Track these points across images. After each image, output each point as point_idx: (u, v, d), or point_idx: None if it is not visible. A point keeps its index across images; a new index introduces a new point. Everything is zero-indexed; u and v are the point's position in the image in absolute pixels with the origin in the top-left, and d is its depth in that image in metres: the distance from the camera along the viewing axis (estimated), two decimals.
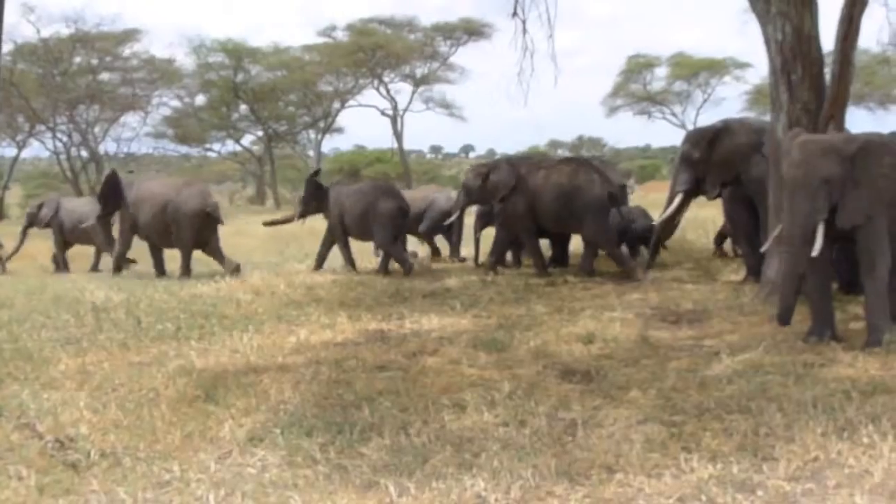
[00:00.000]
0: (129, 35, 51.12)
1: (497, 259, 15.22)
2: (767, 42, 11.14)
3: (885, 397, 6.64)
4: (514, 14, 14.85)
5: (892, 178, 8.62)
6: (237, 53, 53.63)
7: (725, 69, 56.79)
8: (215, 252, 16.80)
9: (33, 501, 5.20)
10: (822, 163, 8.62)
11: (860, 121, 61.76)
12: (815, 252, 8.38)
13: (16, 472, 5.57)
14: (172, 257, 17.11)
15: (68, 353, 9.03)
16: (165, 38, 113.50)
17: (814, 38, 11.04)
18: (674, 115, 59.69)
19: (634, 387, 7.24)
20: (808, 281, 8.86)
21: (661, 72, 59.03)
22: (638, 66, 58.51)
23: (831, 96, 10.76)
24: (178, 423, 6.48)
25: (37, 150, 59.58)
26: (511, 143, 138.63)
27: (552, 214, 14.49)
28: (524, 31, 14.87)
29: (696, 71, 57.30)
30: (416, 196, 17.88)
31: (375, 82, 55.62)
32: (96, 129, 54.04)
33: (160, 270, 17.15)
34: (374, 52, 53.02)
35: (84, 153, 53.64)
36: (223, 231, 17.16)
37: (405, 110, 56.41)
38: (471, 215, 16.94)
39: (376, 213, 15.49)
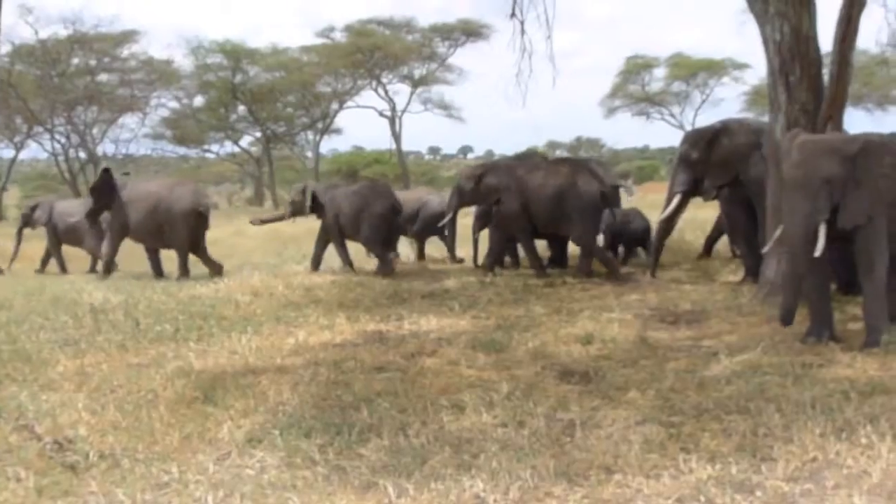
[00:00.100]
0: (128, 36, 51.13)
1: (494, 260, 15.23)
2: (766, 42, 11.14)
3: (884, 398, 6.64)
4: (513, 15, 14.87)
5: (893, 178, 8.62)
6: (235, 54, 53.66)
7: (724, 70, 56.88)
8: (202, 252, 16.87)
9: (32, 503, 5.20)
10: (824, 163, 8.62)
11: (858, 122, 62.00)
12: (817, 252, 8.40)
13: (14, 473, 5.56)
14: (169, 259, 17.11)
15: (67, 354, 9.03)
16: (164, 40, 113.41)
17: (812, 38, 11.05)
18: (672, 115, 59.81)
19: (633, 387, 7.23)
20: (806, 281, 8.86)
21: (660, 72, 59.21)
22: (636, 67, 58.58)
23: (829, 97, 10.76)
24: (176, 425, 6.48)
25: (35, 151, 59.52)
26: (509, 144, 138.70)
27: (546, 215, 14.51)
28: (522, 31, 14.89)
29: (695, 71, 57.36)
30: (408, 197, 17.89)
31: (374, 83, 55.67)
32: (94, 131, 54.08)
33: (158, 272, 17.15)
34: (372, 53, 53.06)
35: (82, 154, 53.65)
36: (223, 232, 17.17)
37: (403, 111, 56.52)
38: (469, 216, 16.95)
39: (369, 213, 15.53)
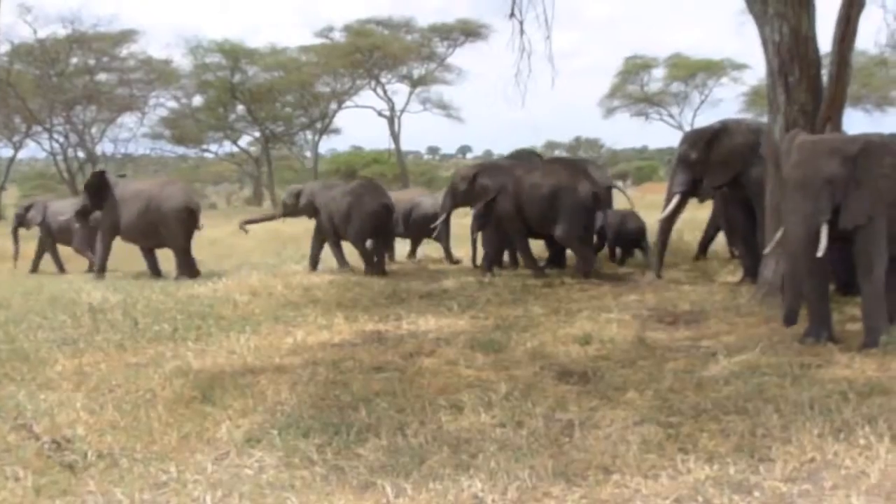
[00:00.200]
0: (126, 36, 51.12)
1: (492, 260, 15.24)
2: (765, 43, 11.14)
3: (882, 398, 6.64)
4: (512, 15, 14.88)
5: (893, 178, 8.62)
6: (234, 54, 53.64)
7: (723, 70, 56.90)
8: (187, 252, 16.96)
9: (30, 502, 5.20)
10: (825, 163, 8.63)
11: (857, 122, 62.04)
12: (819, 253, 8.40)
13: (12, 472, 5.56)
14: (167, 260, 17.13)
15: (65, 353, 9.03)
16: (162, 39, 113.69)
17: (811, 39, 11.05)
18: (671, 116, 59.82)
19: (631, 388, 7.23)
20: (805, 282, 8.86)
21: (659, 73, 59.22)
22: (635, 68, 58.59)
23: (828, 98, 10.76)
24: (174, 424, 6.48)
25: (33, 150, 59.60)
26: (508, 144, 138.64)
27: (539, 216, 14.54)
28: (521, 32, 14.90)
29: (694, 72, 57.36)
30: (401, 198, 17.88)
31: (372, 83, 55.64)
32: (93, 130, 54.07)
33: (155, 271, 17.18)
34: (371, 53, 53.02)
35: (81, 154, 53.61)
36: (221, 231, 17.17)
37: (402, 111, 56.48)
38: (468, 216, 16.96)
39: (359, 212, 15.56)
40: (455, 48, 55.07)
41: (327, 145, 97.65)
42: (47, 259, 20.28)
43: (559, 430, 6.20)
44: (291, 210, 16.88)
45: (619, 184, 25.27)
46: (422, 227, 17.42)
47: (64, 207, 19.95)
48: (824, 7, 11.07)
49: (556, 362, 8.26)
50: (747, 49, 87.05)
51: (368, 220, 15.61)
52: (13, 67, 48.13)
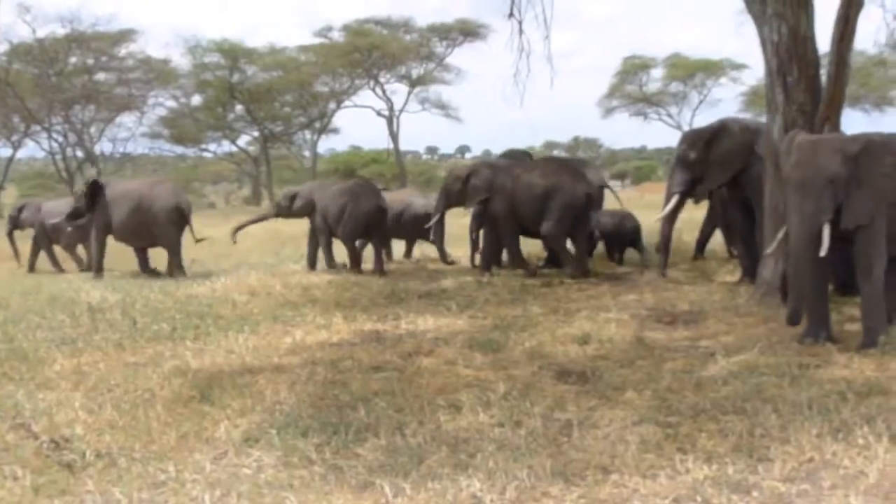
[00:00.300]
0: (125, 35, 51.06)
1: (490, 260, 15.26)
2: (763, 43, 11.15)
3: (881, 398, 6.65)
4: (511, 15, 14.88)
5: (894, 177, 8.62)
6: (233, 54, 53.60)
7: (721, 70, 56.90)
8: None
9: (29, 502, 5.19)
10: (827, 163, 8.63)
11: (856, 122, 62.02)
12: (822, 252, 8.41)
13: (11, 472, 5.56)
14: (160, 259, 17.17)
15: (64, 353, 9.03)
16: (161, 39, 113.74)
17: (810, 39, 11.05)
18: (670, 116, 59.82)
19: (630, 387, 7.24)
20: (805, 282, 8.87)
21: (657, 73, 59.22)
22: (634, 68, 58.60)
23: (827, 98, 10.76)
24: (173, 424, 6.48)
25: (32, 150, 59.66)
26: (507, 144, 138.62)
27: (532, 215, 14.58)
28: (520, 31, 14.90)
29: (692, 72, 57.37)
30: (393, 199, 17.89)
31: (371, 83, 55.60)
32: (92, 130, 54.03)
33: (147, 270, 17.23)
34: (370, 53, 52.99)
35: (80, 153, 53.59)
36: (220, 231, 17.17)
37: (401, 111, 56.47)
38: (466, 216, 16.97)
39: (352, 211, 15.60)
40: (454, 48, 55.10)
41: (326, 145, 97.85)
42: (44, 258, 20.29)
43: (558, 430, 6.20)
44: (286, 211, 16.92)
45: (615, 184, 25.29)
46: (414, 227, 17.42)
47: (58, 207, 19.97)
48: (823, 7, 11.09)
49: (555, 362, 8.26)
50: (746, 49, 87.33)
51: (362, 220, 15.65)
52: (12, 67, 48.10)
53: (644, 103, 59.66)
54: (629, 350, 8.74)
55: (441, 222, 16.20)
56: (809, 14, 11.05)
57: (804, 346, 8.52)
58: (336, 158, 61.39)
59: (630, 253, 16.23)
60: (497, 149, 64.28)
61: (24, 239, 20.78)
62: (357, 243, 16.01)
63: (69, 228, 18.59)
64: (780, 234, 9.42)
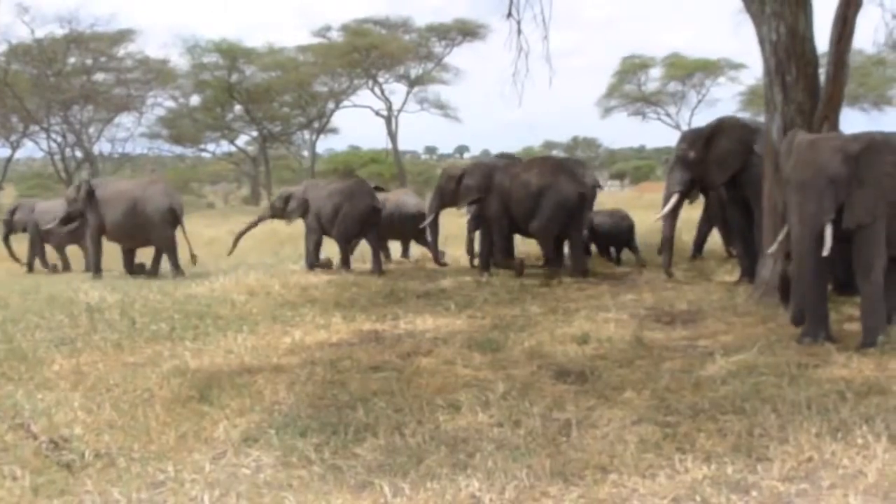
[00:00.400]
0: (124, 35, 51.12)
1: (488, 260, 15.28)
2: (762, 43, 11.15)
3: (880, 398, 6.65)
4: (509, 15, 14.88)
5: (895, 176, 8.61)
6: (232, 54, 53.62)
7: (720, 70, 56.97)
8: (158, 252, 17.23)
9: (28, 502, 5.19)
10: (828, 162, 8.62)
11: (855, 122, 61.99)
12: (825, 252, 8.41)
13: (10, 472, 5.56)
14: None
15: (63, 353, 9.03)
16: (160, 39, 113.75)
17: (808, 38, 11.06)
18: (668, 115, 59.89)
19: (629, 387, 7.24)
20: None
21: (656, 72, 59.28)
22: (632, 67, 58.64)
23: (826, 97, 10.77)
24: (172, 424, 6.48)
25: (31, 150, 59.72)
26: (506, 144, 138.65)
27: (525, 214, 14.62)
28: (519, 31, 14.90)
29: (691, 72, 57.42)
30: (386, 199, 17.90)
31: (370, 83, 55.64)
32: (90, 130, 54.08)
33: (130, 269, 17.27)
34: (368, 53, 53.00)
35: (78, 154, 53.64)
36: (219, 231, 17.19)
37: (400, 111, 56.55)
38: (460, 216, 17.03)
39: (348, 212, 15.63)
40: (452, 48, 55.18)
41: (325, 145, 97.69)
42: (54, 262, 20.37)
43: (557, 430, 6.20)
44: (280, 213, 16.96)
45: (614, 184, 25.34)
46: (406, 227, 17.44)
47: (51, 208, 20.02)
48: (822, 6, 11.08)
49: (554, 362, 8.26)
50: (745, 49, 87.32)
51: (356, 220, 15.71)
52: (11, 67, 48.18)
53: (643, 103, 59.72)
54: (628, 350, 8.74)
55: (435, 222, 16.20)
56: (808, 13, 11.06)
57: (803, 346, 8.52)
58: (335, 158, 61.35)
59: (625, 253, 16.28)
60: (496, 149, 64.40)
61: (22, 240, 20.80)
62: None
63: (62, 231, 18.70)
64: (782, 235, 9.41)
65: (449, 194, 15.61)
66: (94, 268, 17.25)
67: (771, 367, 7.70)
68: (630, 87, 59.48)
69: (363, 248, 16.69)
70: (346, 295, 12.79)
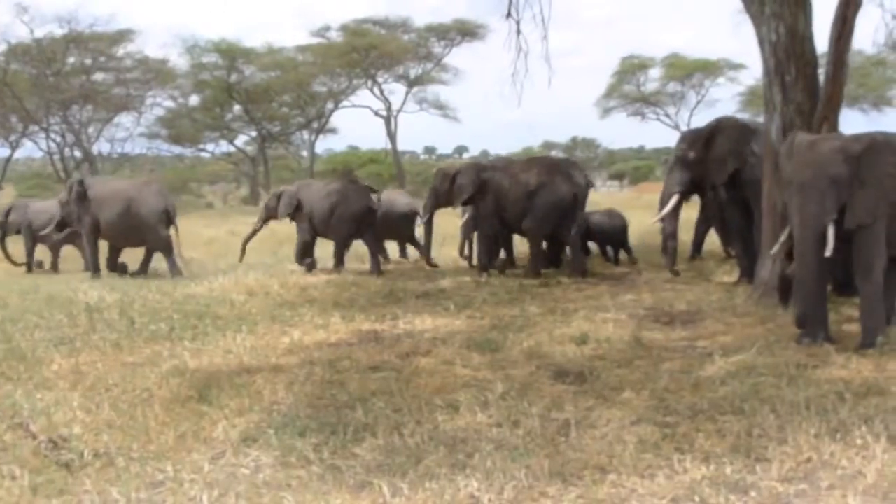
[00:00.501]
0: (123, 35, 51.03)
1: (488, 260, 15.32)
2: (761, 43, 11.15)
3: (879, 399, 6.65)
4: (509, 15, 14.89)
5: None
6: (231, 54, 53.54)
7: (719, 70, 56.85)
8: (148, 253, 17.32)
9: (27, 501, 5.19)
10: (830, 163, 8.62)
11: (854, 122, 61.99)
12: (828, 253, 8.41)
13: (9, 471, 5.55)
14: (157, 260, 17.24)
15: (62, 353, 9.03)
16: (159, 39, 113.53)
17: (808, 39, 11.07)
18: (668, 116, 59.74)
19: (628, 388, 7.24)
20: (807, 282, 8.86)
21: (655, 73, 59.12)
22: (632, 68, 58.53)
23: (825, 97, 10.77)
24: (171, 424, 6.48)
25: (30, 150, 59.60)
26: (505, 145, 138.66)
27: (518, 215, 14.67)
28: (518, 31, 14.91)
29: (690, 72, 57.32)
30: (378, 199, 17.92)
31: (369, 83, 55.55)
32: (90, 130, 54.00)
33: (113, 269, 17.35)
34: (367, 53, 52.94)
35: (77, 153, 53.58)
36: (218, 231, 17.21)
37: (399, 111, 56.45)
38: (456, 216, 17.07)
39: (344, 213, 15.66)
40: (452, 48, 55.07)
41: (324, 145, 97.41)
42: (40, 258, 20.37)
43: (555, 430, 6.20)
44: (274, 212, 16.98)
45: (613, 184, 25.43)
46: (397, 227, 17.47)
47: (46, 208, 20.06)
48: (821, 7, 11.09)
49: (553, 362, 8.26)
50: (744, 49, 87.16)
51: (352, 220, 15.74)
52: (10, 67, 48.12)
53: (642, 103, 59.61)
54: (627, 350, 8.74)
55: (430, 223, 16.20)
56: (807, 14, 11.06)
57: (802, 347, 8.52)
58: (334, 158, 61.27)
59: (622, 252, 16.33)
60: (495, 149, 64.44)
61: (18, 241, 20.81)
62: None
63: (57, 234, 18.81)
64: (784, 236, 9.40)
65: (443, 194, 15.65)
66: (93, 268, 17.27)
67: (770, 367, 7.70)
68: (629, 87, 59.38)
69: (359, 249, 16.67)
70: (345, 295, 12.79)
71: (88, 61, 51.82)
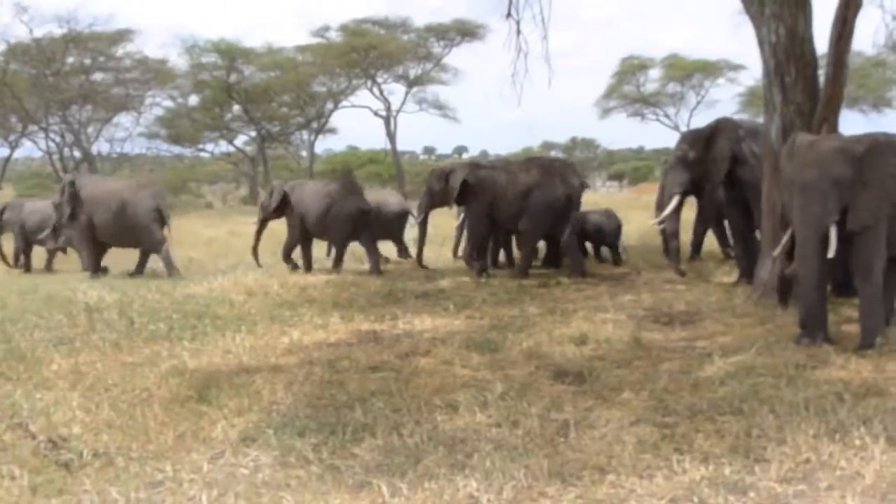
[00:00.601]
0: (123, 35, 51.05)
1: (484, 260, 15.34)
2: (761, 44, 11.16)
3: (877, 399, 6.65)
4: (509, 15, 14.92)
5: None
6: (230, 54, 53.54)
7: (719, 71, 56.90)
8: (144, 255, 17.34)
9: (26, 501, 5.19)
10: (832, 164, 8.62)
11: (854, 124, 62.00)
12: (830, 254, 8.42)
13: (8, 471, 5.55)
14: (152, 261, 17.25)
15: (61, 353, 9.02)
16: (158, 39, 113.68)
17: (807, 39, 11.07)
18: (667, 116, 59.83)
19: (627, 388, 7.24)
20: (808, 283, 8.86)
21: (655, 73, 59.19)
22: (631, 68, 58.57)
23: (825, 98, 10.78)
24: (170, 424, 6.48)
25: (29, 150, 59.64)
26: (504, 145, 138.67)
27: (511, 215, 14.70)
28: (518, 32, 14.94)
29: (690, 73, 57.36)
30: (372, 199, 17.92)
31: (369, 83, 55.57)
32: (89, 130, 54.01)
33: (94, 269, 17.42)
34: (367, 53, 52.94)
35: (77, 153, 53.58)
36: (218, 231, 17.22)
37: (398, 111, 56.49)
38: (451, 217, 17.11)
39: (337, 213, 15.67)
40: (451, 48, 55.09)
41: (323, 145, 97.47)
42: (39, 258, 20.36)
43: (555, 430, 6.20)
44: (267, 210, 16.98)
45: (612, 184, 25.49)
46: (388, 227, 17.50)
47: (39, 208, 20.08)
48: (821, 8, 11.10)
49: (552, 362, 8.26)
50: (744, 50, 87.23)
51: (345, 221, 15.75)
52: (9, 67, 48.12)
53: (641, 104, 59.67)
54: (626, 350, 8.74)
55: (424, 223, 16.20)
56: (807, 15, 11.07)
57: (801, 347, 8.52)
58: (333, 158, 61.36)
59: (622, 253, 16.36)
60: (495, 149, 64.40)
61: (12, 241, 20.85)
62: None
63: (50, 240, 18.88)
64: (786, 237, 9.39)
65: (438, 194, 15.69)
66: (92, 268, 17.26)
67: (769, 368, 7.70)
68: (629, 87, 59.44)
69: (357, 249, 16.68)
70: (344, 295, 12.79)
71: (88, 61, 51.82)
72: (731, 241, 14.58)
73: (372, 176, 52.02)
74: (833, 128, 10.71)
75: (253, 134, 58.16)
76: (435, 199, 15.87)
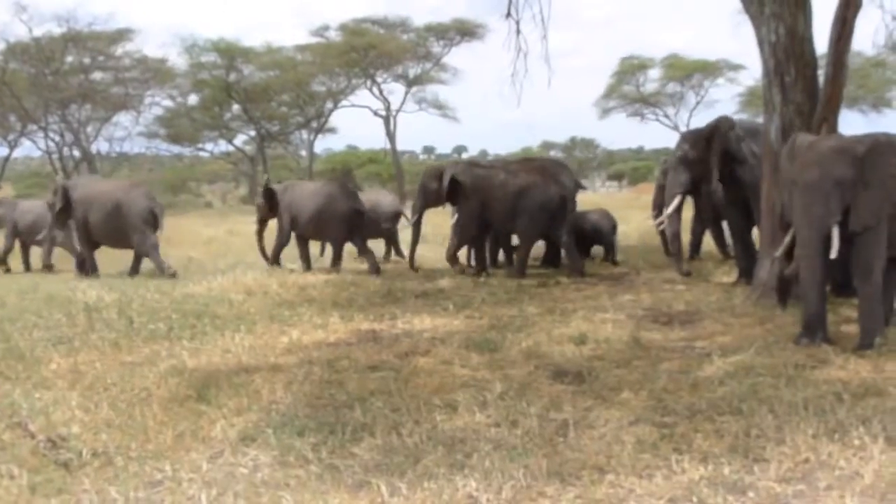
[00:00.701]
0: (122, 34, 50.96)
1: (483, 260, 15.36)
2: (761, 44, 11.16)
3: (877, 399, 6.66)
4: (508, 15, 14.91)
5: None
6: (230, 53, 53.45)
7: (719, 71, 56.80)
8: (140, 255, 17.23)
9: (25, 500, 5.19)
10: (834, 165, 8.62)
11: (853, 124, 62.00)
12: (833, 255, 8.42)
13: (7, 471, 5.55)
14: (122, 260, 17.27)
15: (60, 352, 9.02)
16: (158, 38, 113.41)
17: (807, 39, 11.08)
18: (667, 116, 59.70)
19: (626, 388, 7.25)
20: (808, 283, 8.86)
21: (655, 73, 59.07)
22: (631, 68, 58.49)
23: (824, 98, 10.78)
24: (169, 423, 6.48)
25: (28, 149, 59.71)
26: (504, 144, 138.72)
27: (504, 216, 14.72)
28: (518, 31, 14.93)
29: (690, 72, 57.27)
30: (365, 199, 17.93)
31: (368, 82, 55.45)
32: (88, 129, 53.89)
33: (82, 269, 17.42)
34: (366, 53, 52.85)
35: (76, 153, 53.53)
36: (217, 230, 17.22)
37: (398, 111, 56.31)
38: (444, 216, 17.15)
39: (331, 214, 15.69)
40: (451, 48, 54.94)
41: (323, 144, 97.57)
42: (38, 258, 20.37)
43: (554, 430, 6.21)
44: (264, 210, 17.03)
45: (612, 185, 25.50)
46: (382, 227, 17.54)
47: (33, 207, 20.11)
48: (821, 8, 11.10)
49: (551, 362, 8.26)
50: (744, 50, 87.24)
51: (339, 222, 15.76)
52: (8, 66, 48.05)
53: (641, 104, 59.56)
54: (625, 350, 8.75)
55: (418, 223, 16.20)
56: (807, 14, 11.07)
57: (800, 347, 8.52)
58: (333, 158, 61.31)
59: (623, 253, 16.36)
60: (494, 149, 64.38)
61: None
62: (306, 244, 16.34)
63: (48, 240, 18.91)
64: (788, 238, 9.38)
65: (432, 194, 15.69)
66: (90, 267, 17.26)
67: (768, 368, 7.71)
68: (629, 87, 59.34)
69: (352, 249, 16.73)
70: (343, 294, 12.79)
71: (87, 60, 51.74)
72: (729, 241, 14.61)
73: (371, 175, 52.01)
74: (833, 128, 10.71)
75: (252, 133, 58.06)
76: (429, 199, 15.87)
